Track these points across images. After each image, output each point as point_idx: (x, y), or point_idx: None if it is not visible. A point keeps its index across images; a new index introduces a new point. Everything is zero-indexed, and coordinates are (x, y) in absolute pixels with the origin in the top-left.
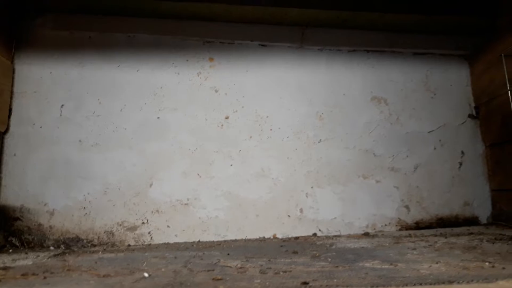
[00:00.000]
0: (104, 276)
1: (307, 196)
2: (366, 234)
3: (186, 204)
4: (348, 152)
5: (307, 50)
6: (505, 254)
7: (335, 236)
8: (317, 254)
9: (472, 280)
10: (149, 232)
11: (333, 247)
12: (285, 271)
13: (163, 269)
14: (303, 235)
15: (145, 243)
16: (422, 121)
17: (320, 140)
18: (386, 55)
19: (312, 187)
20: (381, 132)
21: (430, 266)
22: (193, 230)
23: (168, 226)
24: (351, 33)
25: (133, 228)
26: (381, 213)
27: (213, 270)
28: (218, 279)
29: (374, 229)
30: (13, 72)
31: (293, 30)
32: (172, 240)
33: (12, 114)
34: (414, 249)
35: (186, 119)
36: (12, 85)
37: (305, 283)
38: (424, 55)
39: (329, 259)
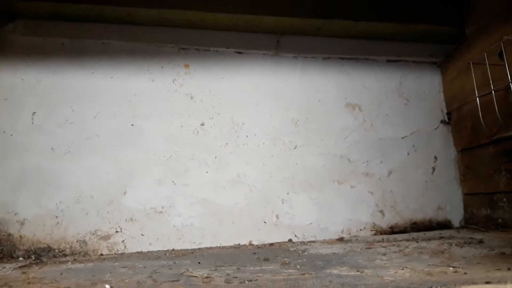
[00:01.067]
0: None
1: (283, 202)
2: (341, 239)
3: (161, 212)
4: (323, 157)
5: (282, 57)
6: (470, 258)
7: (310, 242)
8: (287, 261)
9: (431, 287)
10: (123, 241)
11: (306, 253)
12: (250, 280)
13: (126, 280)
14: (279, 241)
15: (119, 252)
16: (395, 127)
17: (296, 146)
18: (360, 62)
19: (288, 193)
20: (355, 138)
21: (396, 272)
22: (167, 238)
23: (142, 235)
24: (325, 41)
25: (106, 237)
26: (357, 218)
27: (178, 280)
28: None
29: (349, 234)
30: None
31: (269, 37)
32: (146, 248)
33: None
34: (384, 254)
35: (161, 125)
36: None
37: None
38: (397, 62)
39: (298, 266)
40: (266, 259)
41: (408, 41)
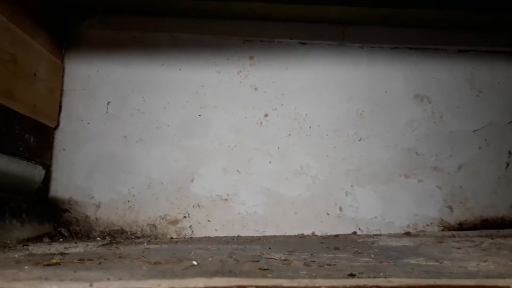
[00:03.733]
0: (155, 263)
1: (346, 195)
2: (408, 234)
3: (226, 199)
4: (390, 150)
5: (348, 47)
6: None
7: (376, 235)
8: (359, 251)
9: None
10: (190, 226)
11: (375, 245)
12: (329, 264)
13: (209, 259)
14: (342, 233)
15: (187, 236)
16: (466, 120)
17: (361, 138)
18: (429, 52)
19: (352, 186)
20: (423, 130)
21: (478, 264)
22: (232, 225)
23: (208, 221)
24: (393, 30)
25: (175, 222)
26: (423, 213)
27: (258, 261)
28: (264, 269)
29: (416, 229)
30: (63, 71)
31: (334, 27)
32: (212, 234)
33: (62, 110)
34: (459, 248)
35: (226, 116)
36: (62, 83)
37: (352, 275)
38: (468, 52)
39: (372, 255)
40: (336, 248)
41: (481, 30)
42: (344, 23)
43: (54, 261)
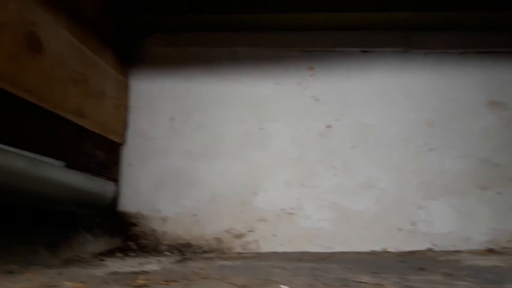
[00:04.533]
0: (242, 286)
1: (419, 209)
2: (491, 251)
3: (291, 213)
4: (464, 161)
5: (412, 54)
6: None
7: (455, 251)
8: (450, 272)
9: None
10: (256, 240)
11: (462, 264)
12: None
13: (297, 282)
14: (415, 249)
15: (253, 251)
16: None
17: (431, 148)
18: (502, 56)
19: (424, 199)
20: (500, 139)
21: None
22: (298, 240)
23: (274, 235)
24: (461, 35)
25: (240, 236)
26: (504, 228)
27: (347, 286)
28: None
29: (497, 245)
30: (128, 88)
31: (397, 34)
32: (278, 249)
33: (128, 127)
34: None
35: (287, 128)
36: (128, 100)
37: None
38: None
39: (469, 279)
40: (422, 269)
41: None
42: (409, 29)
43: (140, 281)
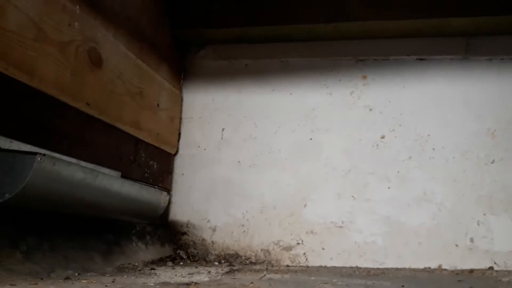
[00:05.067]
0: None
1: (478, 224)
2: None
3: (341, 226)
4: None
5: (473, 61)
6: None
7: None
8: None
9: None
10: (304, 253)
11: None
12: None
13: None
14: (473, 268)
15: (301, 264)
16: None
17: (493, 160)
18: None
19: (484, 214)
20: None
21: None
22: (349, 254)
23: (323, 249)
24: None
25: (288, 248)
26: None
27: None
28: None
29: None
30: (181, 100)
31: (456, 40)
32: (327, 263)
33: (181, 138)
34: None
35: (339, 139)
36: (181, 112)
37: None
38: None
39: None
40: None
41: None
42: (468, 35)
43: None
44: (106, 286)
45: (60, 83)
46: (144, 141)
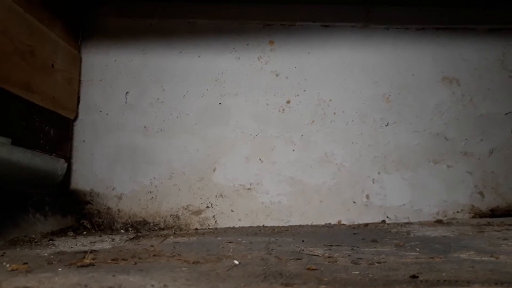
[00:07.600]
0: (194, 263)
1: (373, 182)
2: (439, 222)
3: (249, 189)
4: (418, 135)
5: (372, 29)
6: None
7: (406, 223)
8: (400, 243)
9: None
10: (214, 216)
11: (411, 235)
12: (379, 262)
13: (249, 256)
14: (369, 222)
15: (211, 227)
16: (498, 102)
17: (388, 123)
18: (458, 32)
19: (379, 173)
20: (453, 114)
21: None
22: (256, 214)
23: (232, 210)
24: (419, 10)
25: (198, 212)
26: (453, 200)
27: (301, 259)
28: (313, 269)
29: (446, 216)
30: (80, 61)
31: (358, 9)
32: (236, 224)
33: (80, 102)
34: (506, 239)
35: (247, 104)
36: (80, 74)
37: (414, 276)
38: (500, 31)
39: (417, 249)
40: (374, 241)
41: None
42: (369, 4)
43: (87, 261)
44: None
45: None
46: (37, 105)
